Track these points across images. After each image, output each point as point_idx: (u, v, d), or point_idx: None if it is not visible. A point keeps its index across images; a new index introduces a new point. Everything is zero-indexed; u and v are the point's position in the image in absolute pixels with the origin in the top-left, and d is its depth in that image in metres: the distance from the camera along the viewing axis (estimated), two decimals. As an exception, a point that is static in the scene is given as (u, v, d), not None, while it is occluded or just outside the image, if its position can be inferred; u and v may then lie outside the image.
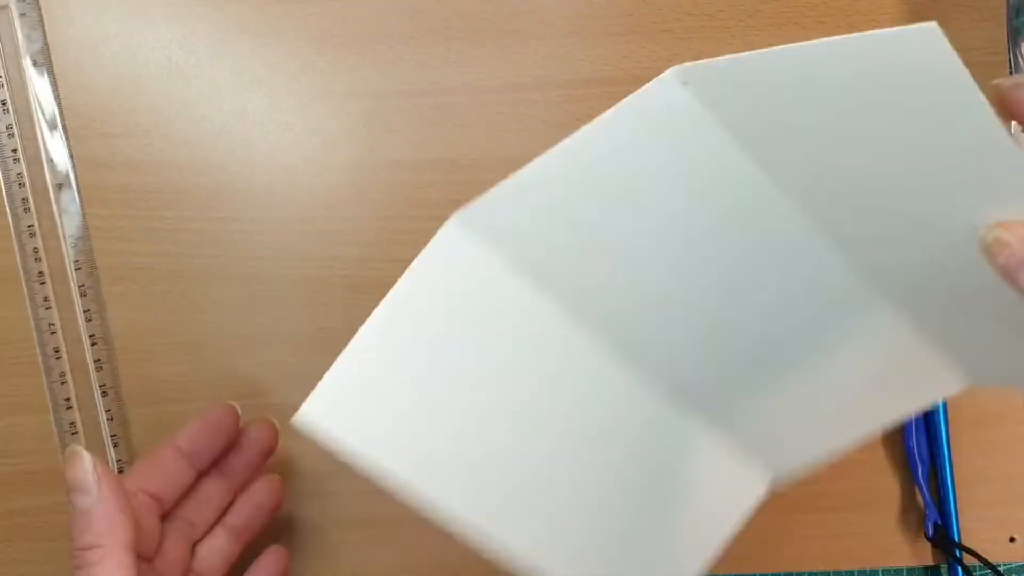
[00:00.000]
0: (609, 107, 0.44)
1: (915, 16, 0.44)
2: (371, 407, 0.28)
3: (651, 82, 0.29)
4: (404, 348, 0.28)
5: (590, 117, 0.44)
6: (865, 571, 0.45)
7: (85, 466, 0.34)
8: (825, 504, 0.44)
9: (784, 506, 0.44)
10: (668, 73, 0.28)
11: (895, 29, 0.27)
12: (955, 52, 0.26)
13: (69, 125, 0.44)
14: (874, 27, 0.45)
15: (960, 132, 0.26)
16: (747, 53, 0.26)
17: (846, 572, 0.45)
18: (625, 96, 0.45)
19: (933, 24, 0.27)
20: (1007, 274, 0.26)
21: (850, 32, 0.46)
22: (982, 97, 0.26)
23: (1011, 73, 0.44)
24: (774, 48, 0.26)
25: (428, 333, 0.29)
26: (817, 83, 0.26)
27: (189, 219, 0.44)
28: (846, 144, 0.27)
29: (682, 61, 0.44)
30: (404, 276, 0.28)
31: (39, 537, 0.44)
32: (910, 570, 0.45)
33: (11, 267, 0.44)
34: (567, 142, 0.28)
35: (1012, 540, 0.44)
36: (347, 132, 0.44)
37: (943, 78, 0.27)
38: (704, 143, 0.28)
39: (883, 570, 0.45)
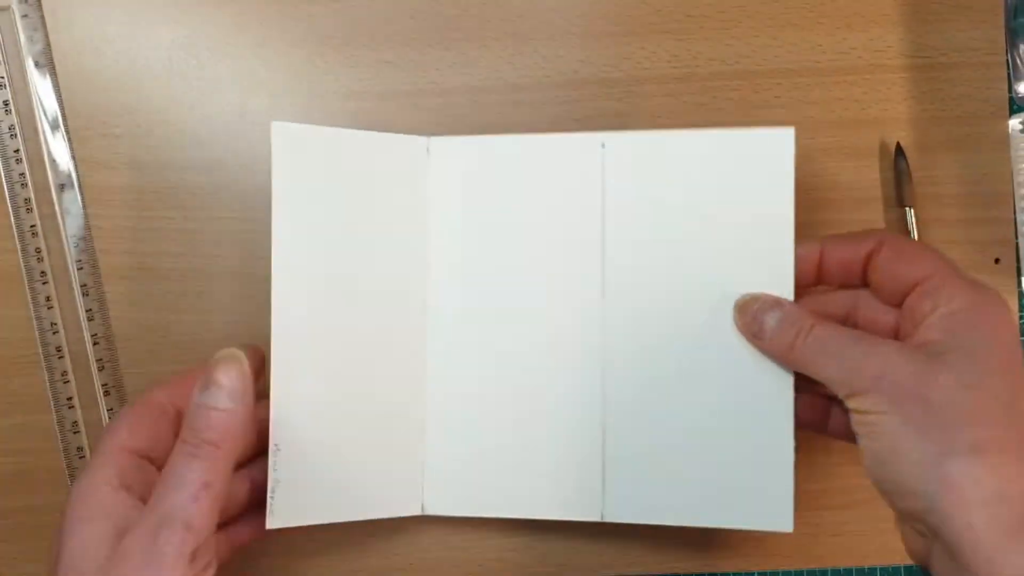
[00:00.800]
0: (609, 107, 0.44)
1: (915, 17, 0.45)
2: None
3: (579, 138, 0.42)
4: None
5: (590, 117, 0.44)
6: (864, 569, 0.45)
7: (242, 373, 0.35)
8: (824, 502, 0.44)
9: (783, 505, 0.44)
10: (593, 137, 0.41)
11: (758, 130, 0.40)
12: (792, 159, 0.39)
13: (71, 126, 0.44)
14: (874, 27, 0.46)
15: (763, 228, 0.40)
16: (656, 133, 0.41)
17: (844, 570, 0.45)
18: (624, 96, 0.45)
19: (790, 129, 0.39)
20: (754, 318, 0.39)
21: (849, 32, 0.46)
22: (791, 207, 0.39)
23: (1009, 74, 0.45)
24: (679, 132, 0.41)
25: None
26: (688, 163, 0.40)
27: (189, 219, 0.44)
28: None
29: (682, 61, 0.45)
30: None
31: (42, 535, 0.44)
32: (908, 568, 0.45)
33: (13, 266, 0.44)
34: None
35: (1010, 538, 0.45)
36: (347, 132, 0.44)
37: (775, 177, 0.40)
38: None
39: (881, 568, 0.45)
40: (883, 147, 0.45)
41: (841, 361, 0.36)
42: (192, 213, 0.44)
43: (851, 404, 0.35)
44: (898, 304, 0.37)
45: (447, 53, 0.44)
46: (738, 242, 0.40)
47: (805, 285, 0.40)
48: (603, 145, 0.41)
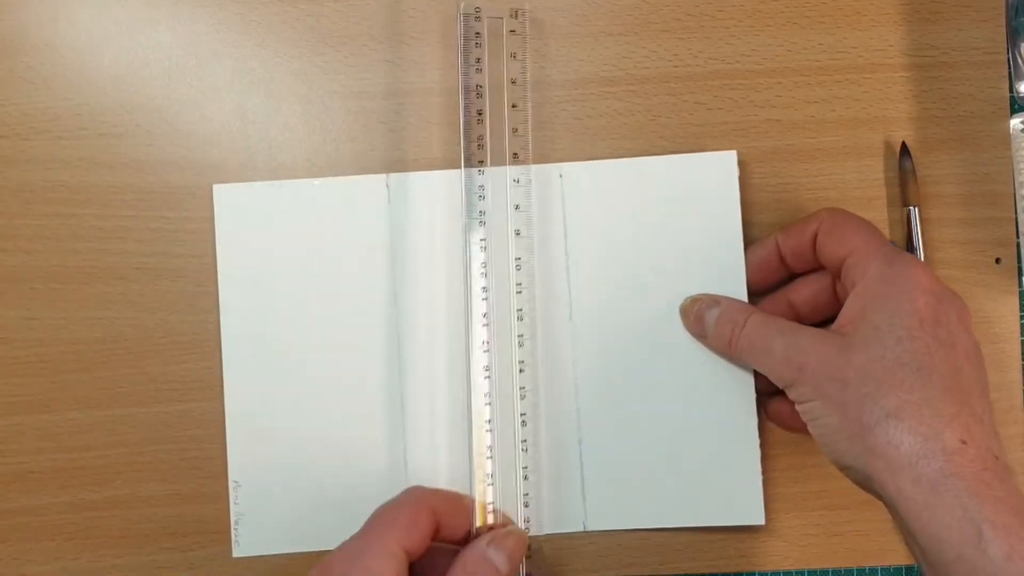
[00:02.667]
0: (609, 107, 0.44)
1: (915, 17, 0.45)
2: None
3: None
4: None
5: (590, 116, 0.44)
6: (864, 569, 0.45)
7: (523, 552, 0.39)
8: (825, 502, 0.44)
9: (784, 504, 0.44)
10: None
11: (704, 155, 0.44)
12: (736, 179, 0.43)
13: (69, 125, 0.44)
14: (874, 26, 0.46)
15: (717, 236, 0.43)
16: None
17: (845, 570, 0.45)
18: (625, 95, 0.45)
19: (732, 152, 0.43)
20: (695, 320, 0.42)
21: (849, 31, 0.46)
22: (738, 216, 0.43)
23: (1010, 73, 0.44)
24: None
25: None
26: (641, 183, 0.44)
27: (189, 219, 0.44)
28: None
29: (682, 60, 0.45)
30: None
31: (40, 537, 0.44)
32: (908, 568, 0.45)
33: (11, 267, 0.44)
34: None
35: (1011, 538, 0.44)
36: (347, 132, 0.44)
37: (723, 196, 0.43)
38: None
39: (882, 568, 0.45)
40: (884, 146, 0.45)
41: (771, 354, 0.38)
42: (191, 213, 0.44)
43: (789, 395, 0.38)
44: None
45: (447, 52, 0.44)
46: (693, 257, 0.43)
47: (779, 281, 0.43)
48: (560, 175, 0.44)
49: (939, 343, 0.35)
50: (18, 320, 0.44)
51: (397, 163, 0.44)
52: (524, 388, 0.43)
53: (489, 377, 0.42)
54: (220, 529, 0.44)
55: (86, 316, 0.44)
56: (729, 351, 0.41)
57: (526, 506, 0.43)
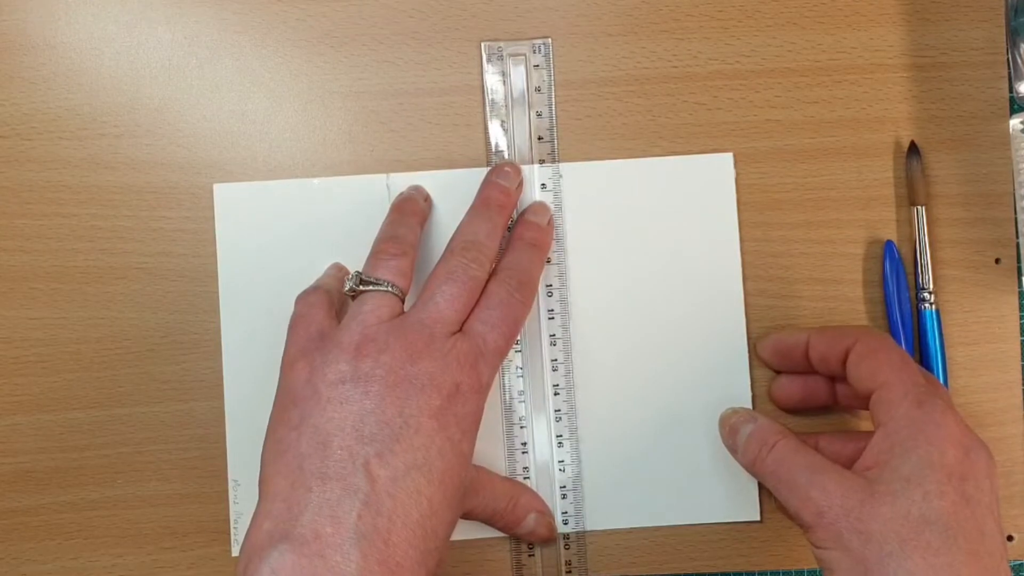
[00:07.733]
0: (609, 107, 0.44)
1: (914, 17, 0.45)
2: None
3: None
4: None
5: (590, 117, 0.44)
6: (864, 570, 0.45)
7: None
8: (824, 503, 0.44)
9: (783, 505, 0.44)
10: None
11: (701, 157, 0.44)
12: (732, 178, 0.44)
13: (69, 125, 0.44)
14: (874, 26, 0.46)
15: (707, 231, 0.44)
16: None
17: (845, 571, 0.45)
18: (625, 95, 0.45)
19: (729, 154, 0.44)
20: None
21: (849, 31, 0.46)
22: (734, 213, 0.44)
23: (1010, 74, 0.44)
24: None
25: None
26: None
27: (189, 219, 0.44)
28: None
29: (682, 61, 0.45)
30: None
31: (39, 536, 0.44)
32: (909, 569, 0.45)
33: (13, 267, 0.44)
34: None
35: (1010, 539, 0.44)
36: (347, 132, 0.44)
37: (719, 196, 0.44)
38: None
39: (882, 569, 0.45)
40: (884, 147, 0.45)
41: (792, 489, 0.37)
42: (191, 213, 0.44)
43: (806, 536, 0.36)
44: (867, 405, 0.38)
45: (447, 52, 0.44)
46: (691, 257, 0.44)
47: (799, 371, 0.43)
48: (561, 175, 0.44)
49: (965, 500, 0.34)
50: (18, 320, 0.44)
51: (397, 163, 0.44)
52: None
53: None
54: (220, 529, 0.44)
55: (86, 316, 0.44)
56: (753, 471, 0.40)
57: (526, 506, 0.43)
